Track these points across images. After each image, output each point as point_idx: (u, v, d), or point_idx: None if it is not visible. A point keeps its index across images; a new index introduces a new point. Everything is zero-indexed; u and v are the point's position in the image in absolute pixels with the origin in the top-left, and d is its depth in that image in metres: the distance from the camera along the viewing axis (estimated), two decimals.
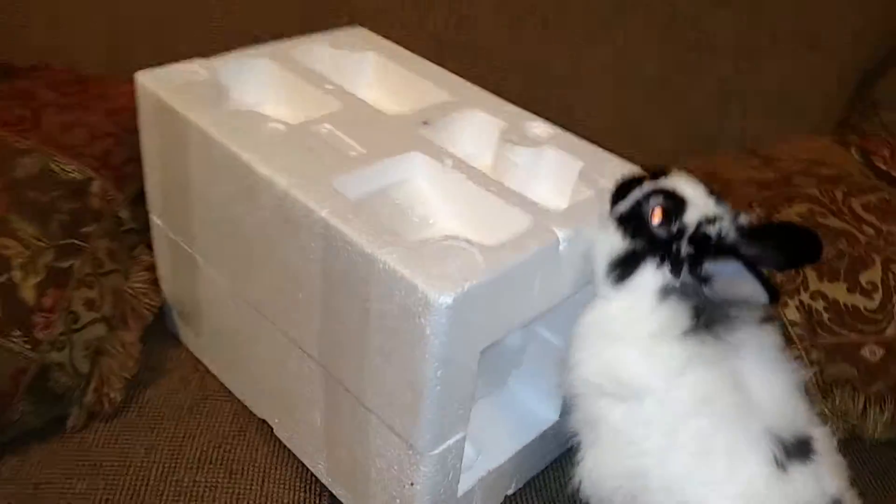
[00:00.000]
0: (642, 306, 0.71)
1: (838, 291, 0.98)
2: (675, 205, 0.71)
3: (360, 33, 1.10)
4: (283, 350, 0.86)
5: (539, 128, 0.91)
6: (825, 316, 0.97)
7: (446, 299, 0.64)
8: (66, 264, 0.92)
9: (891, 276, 0.98)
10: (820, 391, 0.95)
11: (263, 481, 0.90)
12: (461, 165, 0.82)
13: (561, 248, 0.73)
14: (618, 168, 0.84)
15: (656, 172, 0.75)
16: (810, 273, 0.99)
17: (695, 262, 0.69)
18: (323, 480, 0.90)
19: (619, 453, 0.72)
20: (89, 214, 0.97)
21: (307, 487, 0.90)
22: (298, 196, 0.74)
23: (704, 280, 0.69)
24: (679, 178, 0.74)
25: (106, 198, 0.99)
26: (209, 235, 0.91)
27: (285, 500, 0.88)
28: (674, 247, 0.70)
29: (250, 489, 0.89)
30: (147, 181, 0.97)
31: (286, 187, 0.75)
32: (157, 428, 0.95)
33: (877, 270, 0.99)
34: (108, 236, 0.99)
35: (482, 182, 0.79)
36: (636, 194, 0.74)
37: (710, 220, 0.70)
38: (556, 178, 0.87)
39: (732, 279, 0.66)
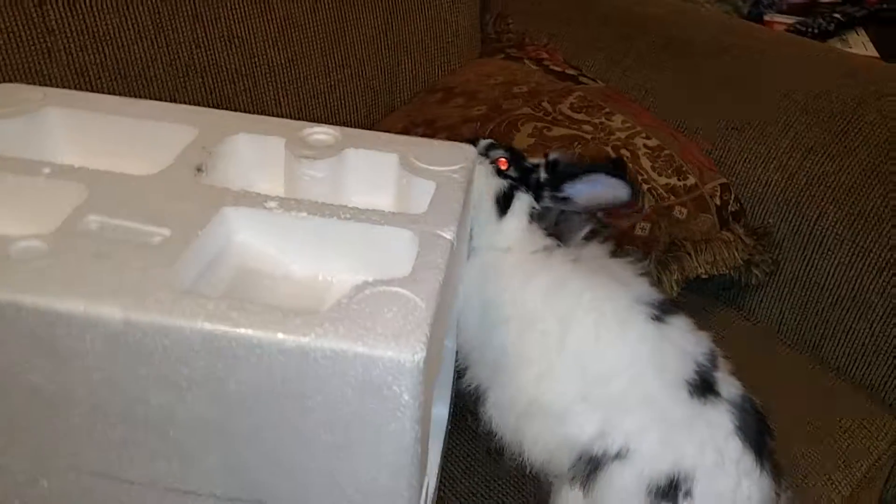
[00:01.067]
0: (519, 229, 0.84)
1: None
2: (511, 152, 0.88)
3: (11, 90, 0.84)
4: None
5: (320, 132, 0.80)
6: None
7: (419, 355, 0.55)
8: None
9: (626, 160, 1.11)
10: None
11: None
12: (289, 203, 0.69)
13: (455, 248, 0.68)
14: (423, 148, 0.79)
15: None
16: None
17: (554, 187, 0.84)
18: None
19: (524, 368, 0.77)
20: None
21: None
22: (147, 320, 0.56)
23: (565, 200, 0.84)
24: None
25: None
26: None
27: None
28: (532, 178, 0.86)
29: None
30: None
31: (122, 318, 0.56)
32: None
33: None
34: None
35: (329, 212, 0.68)
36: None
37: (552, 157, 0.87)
38: (368, 180, 0.79)
39: (589, 193, 0.83)
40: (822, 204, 1.16)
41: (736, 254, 1.13)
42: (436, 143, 0.80)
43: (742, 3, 2.02)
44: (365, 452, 0.60)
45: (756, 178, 1.22)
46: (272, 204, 0.69)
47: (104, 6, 1.09)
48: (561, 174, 0.85)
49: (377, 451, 0.59)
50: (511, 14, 1.51)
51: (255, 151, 0.79)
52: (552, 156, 0.87)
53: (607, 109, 1.21)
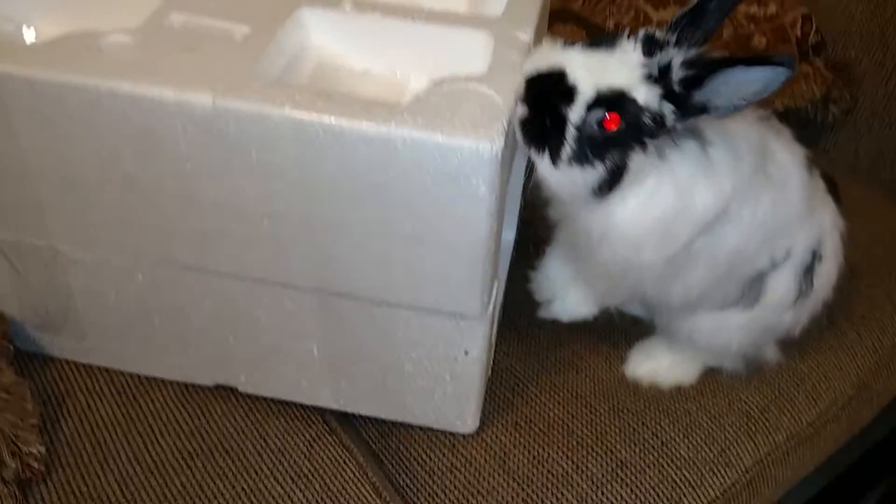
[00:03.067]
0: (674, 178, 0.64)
1: (668, 14, 1.05)
2: (616, 98, 0.60)
3: None
4: (247, 298, 0.72)
5: None
6: None
7: (497, 145, 0.56)
8: None
9: None
10: None
11: (266, 443, 0.79)
12: (363, 5, 0.69)
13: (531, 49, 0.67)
14: None
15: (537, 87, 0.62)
16: (644, 7, 1.04)
17: (683, 105, 0.61)
18: (332, 406, 0.81)
19: (716, 262, 0.72)
20: None
21: (310, 421, 0.81)
22: (237, 106, 0.58)
23: (703, 111, 0.61)
24: (557, 55, 0.61)
25: None
26: (80, 214, 0.69)
27: (300, 446, 0.79)
28: (658, 113, 0.61)
29: (261, 462, 0.77)
30: None
31: (212, 104, 0.58)
32: (109, 459, 0.77)
33: None
34: None
35: (404, 14, 0.68)
36: (567, 126, 0.61)
37: (666, 64, 0.60)
38: None
39: (731, 90, 0.58)
40: None
41: (814, 87, 1.09)
42: None
43: None
44: (442, 243, 0.62)
45: (840, 11, 1.15)
46: (347, 6, 0.69)
47: None
48: (689, 84, 0.60)
49: (454, 242, 0.62)
50: None
51: None
52: (670, 73, 0.60)
53: None
